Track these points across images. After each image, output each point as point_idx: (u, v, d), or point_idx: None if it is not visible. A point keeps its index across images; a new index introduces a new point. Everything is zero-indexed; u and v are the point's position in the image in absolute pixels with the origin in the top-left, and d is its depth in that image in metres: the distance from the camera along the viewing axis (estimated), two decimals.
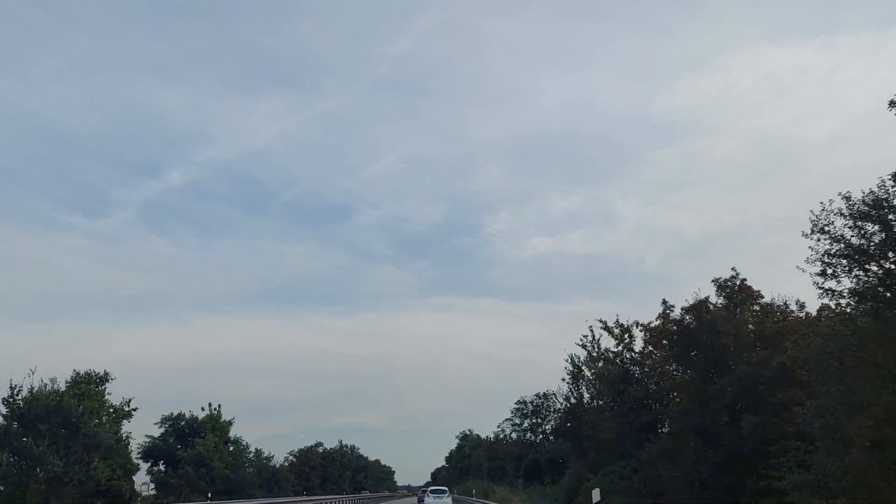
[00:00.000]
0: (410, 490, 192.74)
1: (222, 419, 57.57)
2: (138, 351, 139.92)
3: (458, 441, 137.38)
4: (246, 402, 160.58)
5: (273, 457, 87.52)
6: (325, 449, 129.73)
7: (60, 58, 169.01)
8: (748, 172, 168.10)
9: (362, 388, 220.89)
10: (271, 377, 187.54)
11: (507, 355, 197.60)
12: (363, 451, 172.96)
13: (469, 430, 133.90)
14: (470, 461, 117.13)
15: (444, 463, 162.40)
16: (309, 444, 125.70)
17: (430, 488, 68.77)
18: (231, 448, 62.22)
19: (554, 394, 61.43)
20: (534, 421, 61.11)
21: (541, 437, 60.90)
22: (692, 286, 44.70)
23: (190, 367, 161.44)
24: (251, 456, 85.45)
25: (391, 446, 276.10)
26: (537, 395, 60.85)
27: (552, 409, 61.30)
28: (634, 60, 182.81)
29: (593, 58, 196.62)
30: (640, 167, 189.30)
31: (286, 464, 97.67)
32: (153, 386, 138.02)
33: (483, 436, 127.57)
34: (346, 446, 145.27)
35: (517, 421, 62.40)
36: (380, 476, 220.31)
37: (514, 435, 64.09)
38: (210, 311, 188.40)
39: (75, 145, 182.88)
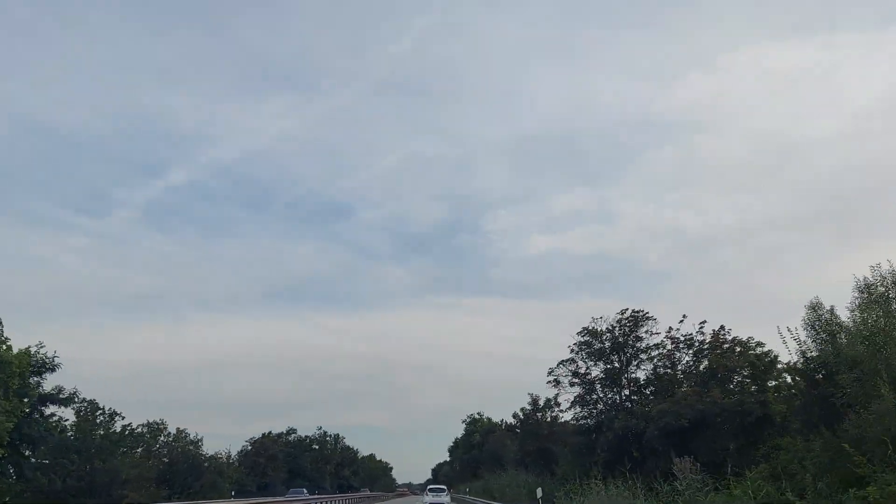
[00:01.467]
0: (411, 489, 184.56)
1: (11, 352, 28.50)
2: (141, 349, 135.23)
3: (464, 427, 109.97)
4: (248, 401, 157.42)
5: (200, 440, 60.44)
6: (298, 437, 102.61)
7: (63, 60, 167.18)
8: (749, 171, 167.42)
9: (364, 386, 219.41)
10: (273, 376, 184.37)
11: (508, 353, 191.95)
12: (363, 449, 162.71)
13: (479, 414, 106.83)
14: (483, 451, 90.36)
15: (446, 456, 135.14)
16: (276, 431, 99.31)
17: (428, 487, 65.38)
18: (54, 416, 35.51)
19: (652, 317, 34.11)
20: (613, 365, 34.07)
21: (627, 392, 33.70)
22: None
23: (192, 365, 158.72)
24: (169, 440, 59.00)
25: (393, 444, 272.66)
26: (622, 313, 33.75)
27: (647, 347, 34.34)
28: (635, 59, 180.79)
29: (594, 56, 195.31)
30: (641, 166, 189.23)
31: (225, 454, 70.28)
32: (156, 384, 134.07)
33: (497, 419, 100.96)
34: (329, 435, 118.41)
35: (581, 363, 34.72)
36: (374, 473, 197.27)
37: (572, 392, 36.25)
38: (213, 310, 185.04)
39: (78, 147, 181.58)
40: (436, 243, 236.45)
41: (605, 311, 45.40)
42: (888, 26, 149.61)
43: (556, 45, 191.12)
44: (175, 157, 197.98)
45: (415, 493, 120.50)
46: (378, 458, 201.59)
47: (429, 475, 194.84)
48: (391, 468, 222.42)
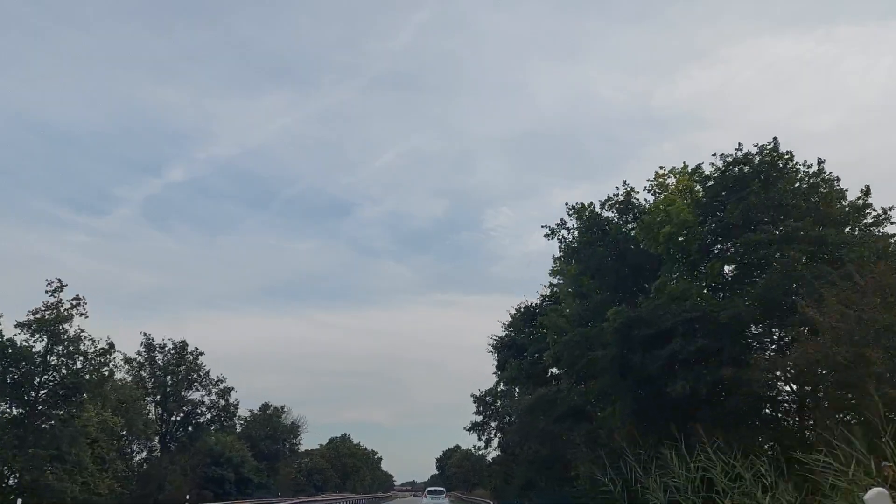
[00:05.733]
0: (414, 488, 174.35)
1: None
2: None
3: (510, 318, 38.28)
4: (249, 399, 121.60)
5: None
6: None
7: (60, 56, 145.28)
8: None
9: (365, 383, 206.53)
10: (274, 374, 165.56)
11: None
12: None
13: (582, 202, 32.06)
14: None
15: (469, 425, 64.54)
16: None
17: (427, 489, 66.54)
18: None
19: None
20: None
21: None
22: None
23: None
24: None
25: (395, 442, 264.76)
26: None
27: None
28: (634, 53, 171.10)
29: (593, 51, 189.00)
30: (642, 161, 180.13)
31: None
32: None
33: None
34: (220, 379, 46.34)
35: None
36: (353, 465, 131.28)
37: None
38: (213, 307, 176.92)
39: (76, 144, 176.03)
40: (436, 240, 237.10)
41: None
42: (889, 20, 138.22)
43: (555, 40, 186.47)
44: (174, 154, 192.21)
45: (416, 495, 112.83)
46: (356, 442, 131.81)
47: (434, 470, 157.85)
48: (380, 458, 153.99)
